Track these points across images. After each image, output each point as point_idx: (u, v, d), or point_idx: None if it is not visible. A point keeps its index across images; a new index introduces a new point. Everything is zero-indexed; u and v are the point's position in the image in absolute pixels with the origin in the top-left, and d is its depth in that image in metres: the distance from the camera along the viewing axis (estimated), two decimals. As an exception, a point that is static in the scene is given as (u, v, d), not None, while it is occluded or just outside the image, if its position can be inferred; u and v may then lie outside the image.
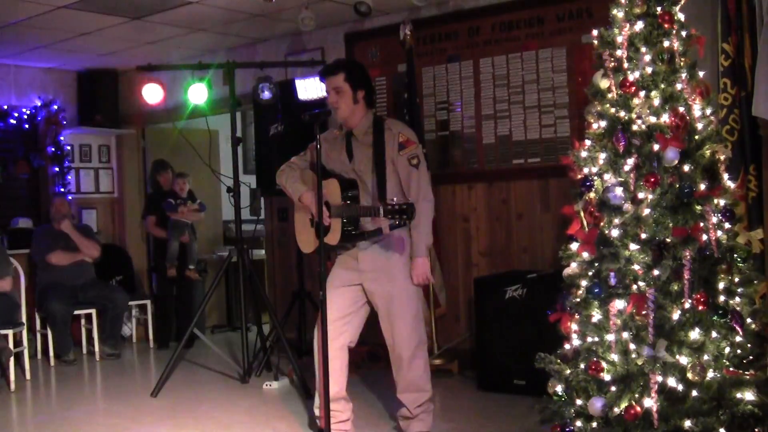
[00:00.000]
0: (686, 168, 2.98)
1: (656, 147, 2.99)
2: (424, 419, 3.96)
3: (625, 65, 3.09)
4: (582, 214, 3.14)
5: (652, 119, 3.02)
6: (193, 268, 7.25)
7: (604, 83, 3.17)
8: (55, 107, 7.79)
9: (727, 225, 3.02)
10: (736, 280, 3.01)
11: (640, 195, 2.99)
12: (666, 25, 3.06)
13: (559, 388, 3.12)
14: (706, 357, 2.86)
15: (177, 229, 7.11)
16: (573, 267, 3.16)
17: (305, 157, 4.08)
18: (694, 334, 2.87)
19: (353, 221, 3.77)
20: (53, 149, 7.75)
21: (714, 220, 2.96)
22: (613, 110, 3.10)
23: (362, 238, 3.83)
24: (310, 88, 5.77)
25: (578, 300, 3.10)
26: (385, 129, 3.85)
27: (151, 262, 8.02)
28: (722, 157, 3.09)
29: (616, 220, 3.02)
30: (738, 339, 2.93)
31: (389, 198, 3.67)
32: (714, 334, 2.89)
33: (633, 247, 2.97)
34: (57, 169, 7.77)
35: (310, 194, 3.84)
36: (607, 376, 2.95)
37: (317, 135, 3.62)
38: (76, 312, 6.75)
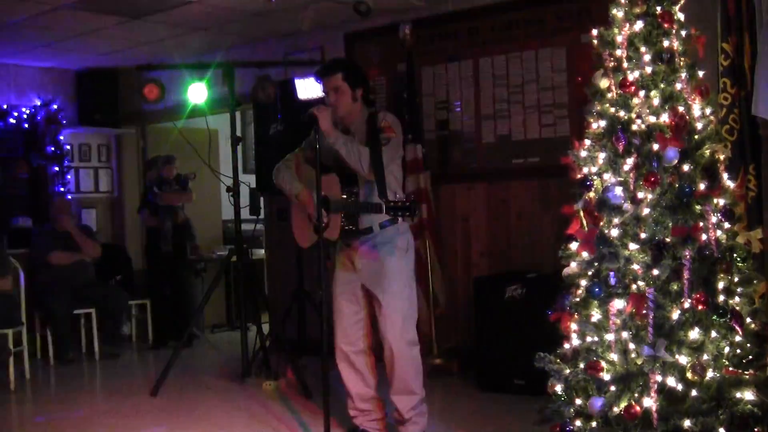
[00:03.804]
0: (686, 168, 2.98)
1: (656, 147, 2.99)
2: (418, 422, 3.93)
3: (625, 65, 3.09)
4: (581, 213, 3.14)
5: (652, 119, 3.02)
6: (196, 243, 7.40)
7: (603, 83, 3.17)
8: (55, 107, 7.80)
9: (726, 225, 3.02)
10: (736, 279, 3.01)
11: (640, 195, 2.99)
12: (666, 25, 3.06)
13: (558, 388, 3.12)
14: (705, 357, 2.86)
15: (168, 213, 7.17)
16: (572, 267, 3.16)
17: (301, 154, 4.08)
18: (694, 334, 2.87)
19: (353, 217, 3.78)
20: (53, 149, 7.76)
21: (713, 219, 2.96)
22: (612, 110, 3.10)
23: (361, 234, 3.84)
24: (309, 88, 5.77)
25: (578, 300, 3.10)
26: (377, 121, 3.87)
27: (144, 256, 7.99)
28: (722, 157, 3.09)
29: (616, 220, 3.01)
30: (737, 339, 2.93)
31: (390, 194, 3.68)
32: (713, 334, 2.89)
33: (632, 246, 2.97)
34: (56, 168, 7.78)
35: (307, 192, 3.85)
36: (606, 376, 2.95)
37: (317, 135, 3.63)
38: (76, 312, 6.76)
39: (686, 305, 2.89)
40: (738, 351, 2.93)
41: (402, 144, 4.01)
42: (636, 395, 2.88)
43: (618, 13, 3.15)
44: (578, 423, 3.02)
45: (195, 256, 7.46)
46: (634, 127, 3.04)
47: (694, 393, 2.84)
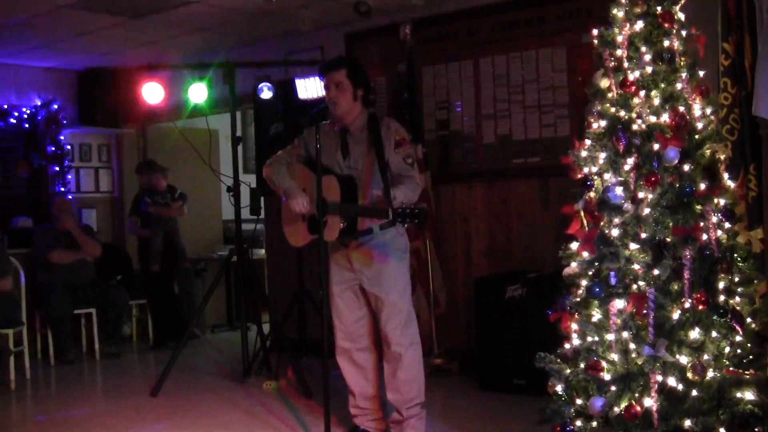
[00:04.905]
0: (686, 167, 2.98)
1: (656, 146, 2.99)
2: (416, 426, 3.90)
3: (625, 65, 3.09)
4: (582, 213, 3.14)
5: (652, 119, 3.02)
6: (185, 258, 7.35)
7: (604, 83, 3.17)
8: (56, 107, 7.80)
9: (727, 224, 3.02)
10: (736, 279, 3.01)
11: (640, 194, 2.99)
12: (666, 25, 3.06)
13: (559, 388, 3.12)
14: (706, 356, 2.86)
15: (159, 225, 7.15)
16: (573, 266, 3.16)
17: (293, 152, 4.07)
18: (694, 334, 2.87)
19: (351, 218, 3.76)
20: (53, 149, 7.76)
21: (714, 219, 2.96)
22: (613, 110, 3.10)
23: (360, 235, 3.83)
24: (310, 88, 5.78)
25: (578, 299, 3.10)
26: (382, 126, 3.85)
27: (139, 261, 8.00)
28: (722, 157, 3.09)
29: (616, 220, 3.01)
30: (738, 338, 2.93)
31: (392, 194, 3.65)
32: (714, 334, 2.89)
33: (633, 246, 2.97)
34: (57, 168, 7.78)
35: (297, 188, 3.85)
36: (607, 376, 2.95)
37: (317, 135, 3.63)
38: (76, 311, 6.76)
39: (687, 305, 2.89)
40: (738, 351, 2.94)
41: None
42: (636, 395, 2.88)
43: (618, 12, 3.15)
44: (579, 423, 3.02)
45: (185, 266, 7.46)
46: (635, 127, 3.04)
47: (694, 393, 2.84)
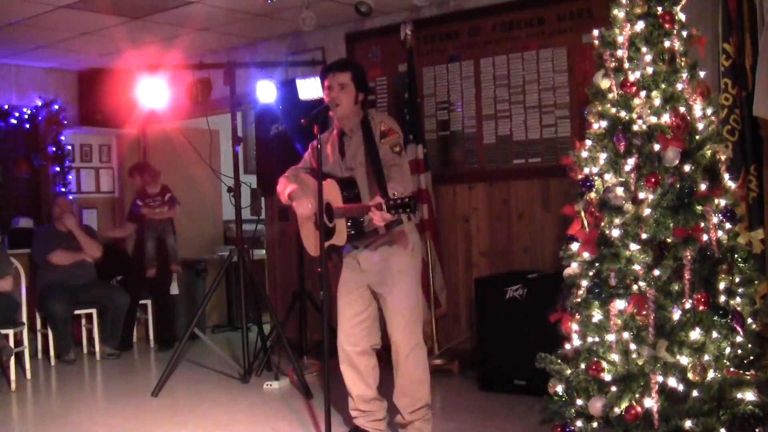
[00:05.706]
0: (687, 168, 2.98)
1: (657, 147, 2.99)
2: (421, 428, 3.90)
3: (626, 65, 3.10)
4: (582, 214, 3.14)
5: (653, 119, 3.03)
6: (176, 261, 7.31)
7: (604, 83, 3.17)
8: (56, 107, 7.80)
9: (727, 225, 3.02)
10: (737, 280, 3.01)
11: (641, 195, 2.99)
12: (667, 25, 3.06)
13: (559, 388, 3.12)
14: (706, 357, 2.86)
15: (151, 229, 7.14)
16: (573, 267, 3.16)
17: (299, 166, 4.12)
18: (695, 335, 2.87)
19: (357, 220, 3.76)
20: (54, 149, 7.76)
21: (715, 220, 2.96)
22: (613, 110, 3.11)
23: (368, 236, 3.83)
24: (311, 88, 5.78)
25: (579, 300, 3.10)
26: (369, 121, 3.88)
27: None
28: (723, 158, 3.09)
29: (617, 220, 3.01)
30: (739, 339, 2.93)
31: (390, 192, 3.66)
32: (714, 335, 2.89)
33: (633, 247, 2.97)
34: (58, 168, 7.77)
35: (299, 190, 3.87)
36: (607, 376, 2.95)
37: (318, 135, 3.63)
38: (77, 312, 6.76)
39: (687, 306, 2.89)
40: (739, 351, 2.94)
41: (402, 141, 4.01)
42: (637, 396, 2.88)
43: (619, 13, 3.15)
44: (579, 423, 3.03)
45: (175, 270, 7.43)
46: (635, 128, 3.04)
47: (695, 393, 2.85)
